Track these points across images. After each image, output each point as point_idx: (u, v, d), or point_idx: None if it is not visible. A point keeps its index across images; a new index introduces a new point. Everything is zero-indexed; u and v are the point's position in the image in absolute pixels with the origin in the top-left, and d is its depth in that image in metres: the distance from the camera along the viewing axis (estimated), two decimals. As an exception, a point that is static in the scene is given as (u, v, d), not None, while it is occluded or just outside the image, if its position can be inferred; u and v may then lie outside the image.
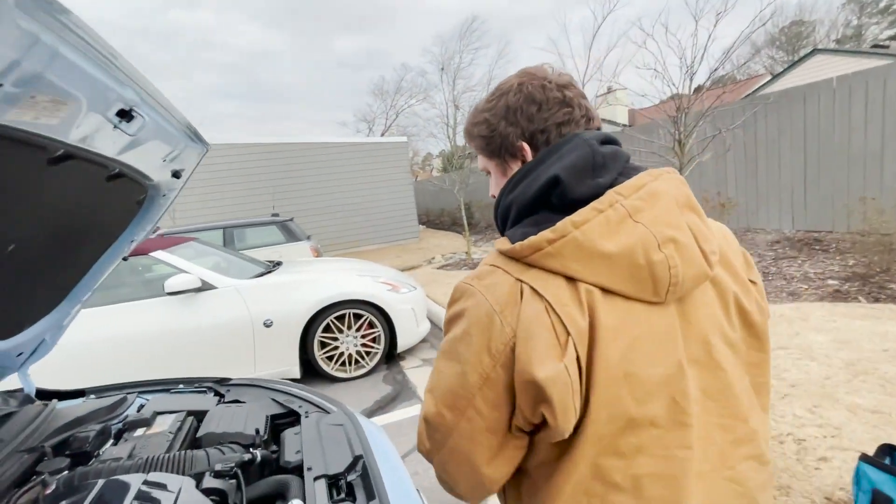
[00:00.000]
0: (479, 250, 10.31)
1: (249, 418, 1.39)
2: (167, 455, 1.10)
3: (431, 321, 5.05)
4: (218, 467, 1.02)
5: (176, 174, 1.33)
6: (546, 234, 0.59)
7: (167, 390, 1.66)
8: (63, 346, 2.97)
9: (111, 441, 1.26)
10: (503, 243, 0.64)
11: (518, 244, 0.61)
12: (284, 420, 1.54)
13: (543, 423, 0.59)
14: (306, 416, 1.46)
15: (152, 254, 3.37)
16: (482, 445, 0.62)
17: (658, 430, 0.58)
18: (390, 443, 1.41)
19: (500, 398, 0.60)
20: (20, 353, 1.39)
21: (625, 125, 14.76)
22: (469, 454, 0.63)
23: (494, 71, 16.33)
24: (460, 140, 12.75)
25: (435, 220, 17.79)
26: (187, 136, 1.21)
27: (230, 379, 1.77)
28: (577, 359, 0.56)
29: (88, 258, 1.41)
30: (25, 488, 0.98)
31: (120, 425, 1.34)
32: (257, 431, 1.29)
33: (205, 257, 3.95)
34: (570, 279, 0.58)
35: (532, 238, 0.60)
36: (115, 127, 0.83)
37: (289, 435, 1.34)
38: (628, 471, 0.58)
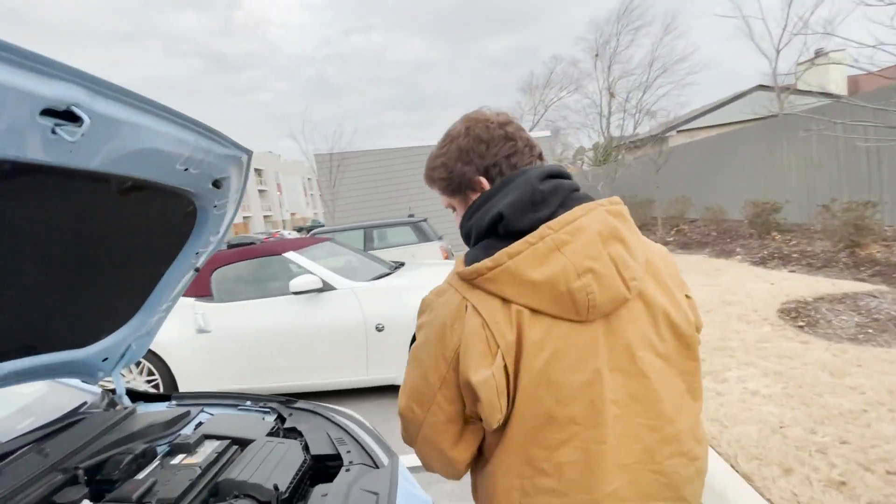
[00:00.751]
0: (627, 254, 9.10)
1: (283, 463, 1.21)
2: None
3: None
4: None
5: (216, 184, 1.21)
6: (486, 262, 0.70)
7: (235, 405, 1.62)
8: (206, 336, 3.50)
9: (148, 466, 1.20)
10: (459, 265, 0.76)
11: (465, 269, 0.73)
12: (329, 464, 1.33)
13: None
14: (347, 470, 1.22)
15: (284, 254, 3.64)
16: (446, 433, 0.75)
17: (578, 426, 0.69)
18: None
19: (455, 395, 0.72)
20: (106, 359, 1.46)
21: (838, 97, 11.02)
22: (436, 441, 0.76)
23: (659, 49, 14.04)
24: (615, 130, 11.49)
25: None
26: (206, 140, 1.06)
27: (295, 401, 1.65)
28: (505, 367, 0.68)
29: (155, 271, 1.41)
30: None
31: (166, 447, 1.30)
32: (276, 488, 1.08)
33: (334, 257, 4.16)
34: (505, 300, 0.70)
35: (476, 265, 0.71)
36: (53, 132, 0.69)
37: (315, 496, 1.11)
38: (552, 459, 0.70)
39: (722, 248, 7.83)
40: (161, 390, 3.39)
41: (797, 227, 7.78)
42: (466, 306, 0.70)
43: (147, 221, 1.23)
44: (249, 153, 1.24)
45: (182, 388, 3.40)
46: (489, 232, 0.75)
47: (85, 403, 1.53)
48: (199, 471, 1.17)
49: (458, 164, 0.81)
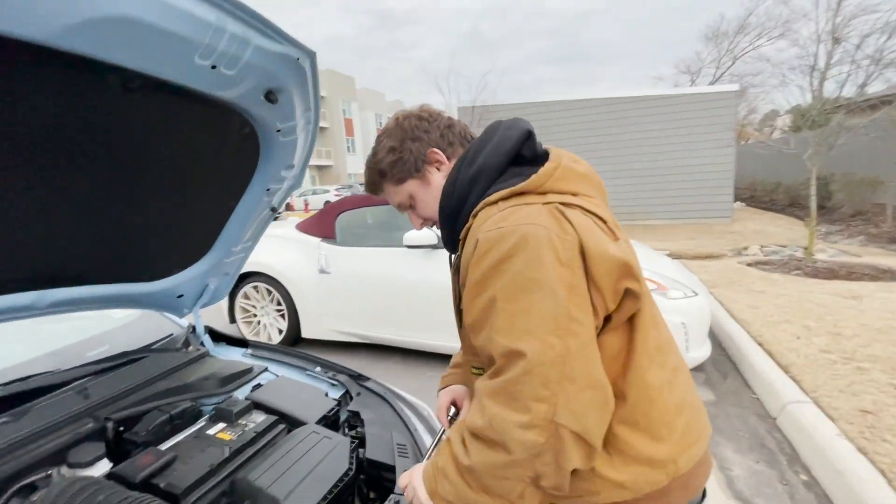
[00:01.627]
0: (830, 248, 6.93)
1: (319, 472, 0.94)
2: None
3: (716, 339, 3.57)
4: None
5: (270, 97, 0.91)
6: (549, 165, 0.74)
7: (304, 369, 1.42)
8: (326, 276, 3.56)
9: (181, 433, 1.04)
10: (504, 191, 0.72)
11: (534, 176, 0.72)
12: (385, 475, 1.02)
13: (618, 305, 0.68)
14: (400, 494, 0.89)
15: (405, 204, 3.45)
16: (594, 355, 0.63)
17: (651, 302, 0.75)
18: None
19: (585, 299, 0.64)
20: (181, 295, 1.36)
21: None
22: (589, 372, 0.62)
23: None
24: (834, 89, 8.66)
25: (762, 196, 13.43)
26: (240, 25, 0.73)
27: (368, 379, 1.38)
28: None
29: (224, 207, 1.21)
30: (14, 489, 0.80)
31: (212, 410, 1.13)
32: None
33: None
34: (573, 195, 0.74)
35: (545, 169, 0.73)
36: None
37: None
38: (660, 336, 0.75)
39: None
40: (286, 320, 3.60)
41: None
42: (552, 208, 0.69)
43: (201, 145, 1.00)
44: (311, 54, 0.89)
45: (303, 322, 3.56)
46: (506, 163, 0.77)
47: (170, 336, 1.48)
48: (226, 453, 0.96)
49: (406, 142, 0.83)
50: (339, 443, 1.04)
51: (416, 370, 3.26)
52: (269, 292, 3.68)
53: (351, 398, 1.29)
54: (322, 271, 3.47)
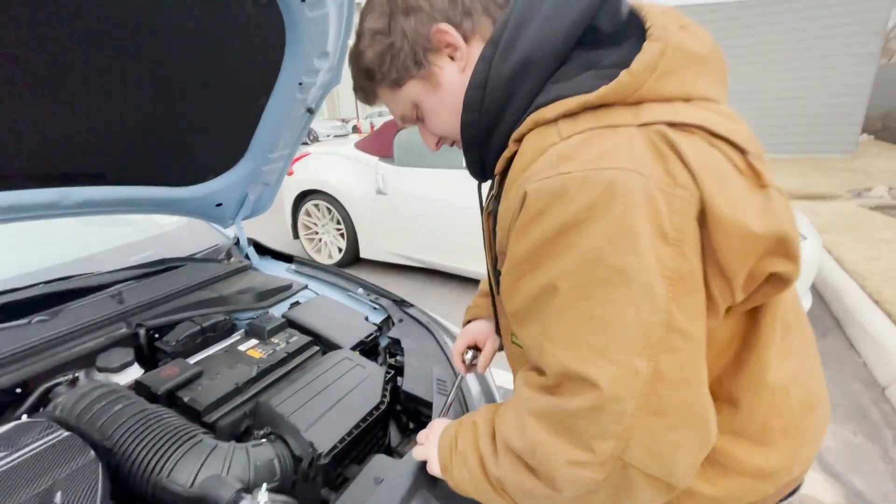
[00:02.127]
0: None
1: (346, 402, 0.86)
2: (179, 430, 0.69)
3: (821, 292, 3.10)
4: None
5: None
6: (650, 50, 0.43)
7: (346, 290, 1.33)
8: (383, 197, 3.45)
9: (213, 346, 0.99)
10: (569, 102, 0.44)
11: (624, 74, 0.42)
12: (422, 409, 0.93)
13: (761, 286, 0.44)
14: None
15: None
16: (698, 378, 0.41)
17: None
18: None
19: (697, 296, 0.41)
20: (219, 204, 1.28)
21: None
22: (690, 403, 0.41)
23: None
24: None
25: (900, 128, 11.13)
26: None
27: (411, 305, 1.26)
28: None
29: (253, 106, 1.06)
30: (41, 389, 0.78)
31: (245, 325, 1.07)
32: (311, 446, 0.72)
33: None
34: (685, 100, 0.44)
35: (640, 59, 0.43)
36: None
37: (365, 475, 0.73)
38: (788, 313, 0.52)
39: None
40: (345, 240, 3.62)
41: None
42: (658, 134, 0.41)
43: (217, 25, 0.83)
44: None
45: (362, 242, 3.56)
46: (570, 41, 0.46)
47: (214, 246, 1.45)
48: (253, 372, 0.90)
49: (397, 20, 0.52)
50: (373, 373, 0.94)
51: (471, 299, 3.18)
52: (330, 211, 3.67)
53: (392, 324, 1.19)
54: (379, 192, 3.37)
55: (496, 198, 0.54)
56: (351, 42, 0.61)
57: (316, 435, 0.76)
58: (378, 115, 22.79)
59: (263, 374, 0.91)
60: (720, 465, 0.49)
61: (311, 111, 1.16)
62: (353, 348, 1.05)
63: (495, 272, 0.56)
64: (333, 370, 0.92)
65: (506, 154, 0.50)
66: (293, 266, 1.45)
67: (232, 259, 1.34)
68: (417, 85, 0.55)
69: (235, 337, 1.03)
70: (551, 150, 0.43)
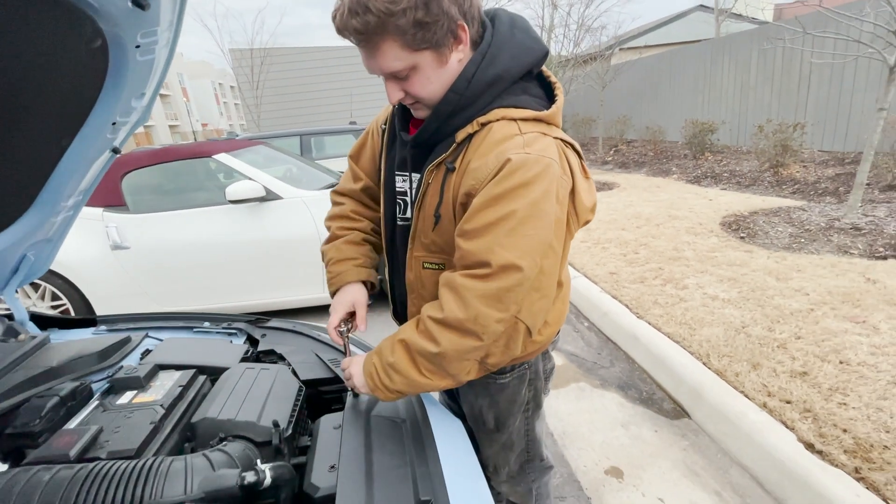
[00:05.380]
0: (570, 173, 9.14)
1: (275, 393, 0.95)
2: (128, 467, 0.68)
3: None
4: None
5: (139, 1, 0.77)
6: (560, 101, 0.81)
7: (189, 328, 1.29)
8: (126, 251, 2.93)
9: (83, 410, 0.88)
10: (526, 112, 0.77)
11: (553, 108, 0.79)
12: (326, 390, 1.10)
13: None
14: (355, 395, 0.98)
15: (216, 156, 3.05)
16: (555, 274, 0.77)
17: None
18: (473, 455, 0.90)
19: (563, 231, 0.77)
20: (-11, 273, 1.03)
21: (765, 21, 11.06)
22: (550, 286, 0.77)
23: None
24: (558, 46, 10.86)
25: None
26: None
27: (268, 320, 1.35)
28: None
29: (54, 146, 0.96)
30: None
31: (105, 384, 0.97)
32: (276, 425, 0.83)
33: (273, 164, 3.61)
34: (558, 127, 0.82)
35: (557, 104, 0.80)
36: None
37: (325, 429, 0.89)
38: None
39: (659, 168, 8.13)
40: (70, 315, 2.86)
41: (727, 148, 8.22)
42: (560, 145, 0.77)
43: (31, 62, 0.78)
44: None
45: (98, 311, 2.89)
46: (517, 78, 0.78)
47: (-32, 333, 1.11)
48: (161, 410, 0.88)
49: (443, 2, 0.67)
50: (280, 369, 1.05)
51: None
52: (36, 288, 2.82)
53: (257, 342, 1.26)
54: (117, 247, 2.84)
55: (452, 156, 0.78)
56: None
57: (269, 420, 0.86)
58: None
59: (171, 408, 0.90)
60: (545, 323, 0.92)
61: (116, 151, 1.11)
62: (240, 365, 1.10)
63: (435, 213, 0.80)
64: (244, 378, 0.99)
65: (469, 129, 0.76)
66: (103, 328, 1.27)
67: (21, 336, 1.08)
68: (430, 56, 0.71)
69: (103, 396, 0.93)
70: (517, 137, 0.72)
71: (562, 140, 0.78)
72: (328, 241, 1.07)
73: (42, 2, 0.68)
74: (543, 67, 0.85)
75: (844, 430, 1.61)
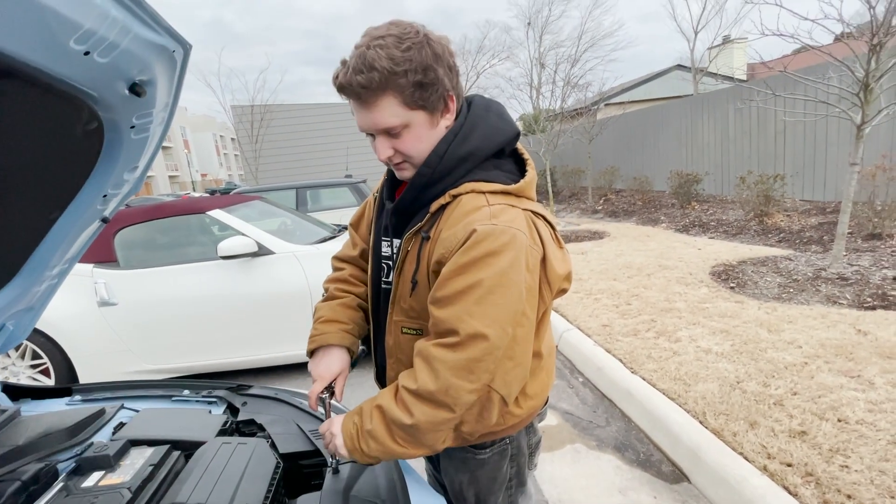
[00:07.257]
0: (560, 220, 9.33)
1: (251, 471, 0.92)
2: None
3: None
4: None
5: (136, 89, 0.82)
6: (530, 175, 0.86)
7: (168, 397, 1.26)
8: (114, 307, 2.89)
9: (46, 495, 0.84)
10: (495, 186, 0.81)
11: (521, 183, 0.83)
12: (304, 463, 1.06)
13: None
14: (335, 472, 0.95)
15: (210, 213, 3.10)
16: (529, 342, 0.78)
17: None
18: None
19: (535, 299, 0.78)
20: (-36, 345, 1.02)
21: (740, 80, 12.03)
22: (524, 353, 0.77)
23: (587, 24, 14.33)
24: (546, 102, 11.48)
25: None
26: (124, 11, 0.68)
27: (249, 387, 1.32)
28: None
29: (42, 219, 0.98)
30: None
31: (71, 463, 0.93)
32: (248, 510, 0.79)
33: (267, 218, 3.66)
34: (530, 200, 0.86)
35: (526, 178, 0.84)
36: None
37: (301, 510, 0.84)
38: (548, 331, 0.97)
39: (648, 217, 8.32)
40: (52, 377, 2.78)
41: (712, 197, 8.47)
42: (528, 215, 0.79)
43: (24, 143, 0.81)
44: (188, 46, 0.86)
45: (82, 375, 2.81)
46: (489, 155, 0.83)
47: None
48: (128, 494, 0.84)
49: (440, 69, 0.75)
50: (257, 444, 1.02)
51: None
52: (17, 347, 2.75)
53: (237, 410, 1.23)
54: (104, 303, 2.81)
55: (428, 225, 0.81)
56: (380, 44, 0.71)
57: (243, 500, 0.82)
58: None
59: (139, 490, 0.86)
60: (525, 395, 0.90)
61: (105, 220, 1.13)
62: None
63: (412, 279, 0.82)
64: (219, 455, 0.95)
65: (442, 200, 0.80)
66: (78, 398, 1.23)
67: (-10, 410, 1.05)
68: (424, 116, 0.77)
69: (69, 477, 0.89)
70: (485, 209, 0.76)
71: (531, 211, 0.80)
72: (325, 300, 1.09)
73: (41, 88, 0.72)
74: (518, 145, 0.90)
75: (849, 497, 1.55)
